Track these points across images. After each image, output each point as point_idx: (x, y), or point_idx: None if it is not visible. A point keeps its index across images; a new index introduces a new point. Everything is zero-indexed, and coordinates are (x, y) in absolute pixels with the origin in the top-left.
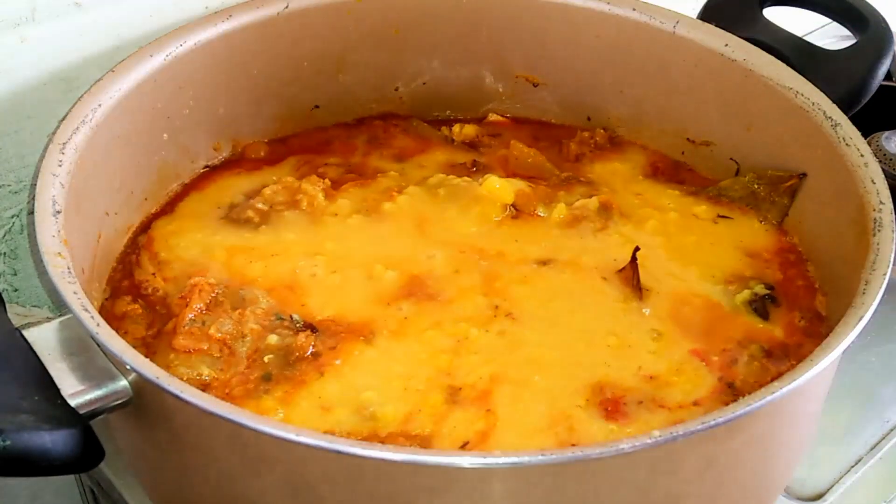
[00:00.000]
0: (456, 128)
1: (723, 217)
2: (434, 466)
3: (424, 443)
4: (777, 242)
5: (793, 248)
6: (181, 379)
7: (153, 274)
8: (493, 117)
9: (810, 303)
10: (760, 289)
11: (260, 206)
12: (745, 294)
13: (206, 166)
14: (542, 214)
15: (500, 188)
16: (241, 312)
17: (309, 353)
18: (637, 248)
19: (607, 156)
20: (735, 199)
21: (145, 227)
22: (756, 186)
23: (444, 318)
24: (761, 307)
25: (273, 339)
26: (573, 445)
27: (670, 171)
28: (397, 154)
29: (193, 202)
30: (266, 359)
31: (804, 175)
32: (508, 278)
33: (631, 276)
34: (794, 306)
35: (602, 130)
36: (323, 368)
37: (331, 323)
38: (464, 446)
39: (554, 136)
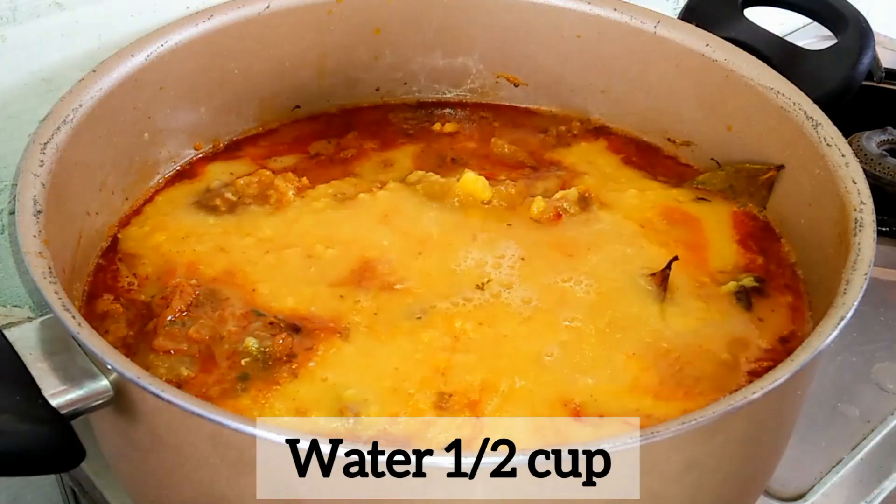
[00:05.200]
0: (437, 125)
1: (702, 199)
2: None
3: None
4: (759, 229)
5: (775, 239)
6: (161, 379)
7: (134, 274)
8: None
9: (794, 301)
10: (749, 281)
11: (229, 195)
12: (731, 285)
13: (187, 163)
14: (521, 208)
15: (477, 185)
16: (221, 314)
17: (286, 355)
18: (675, 258)
19: (587, 144)
20: (714, 192)
21: (125, 225)
22: (734, 180)
23: (413, 308)
24: (745, 298)
25: (251, 342)
26: None
27: (650, 160)
28: (377, 148)
29: (168, 194)
30: (244, 361)
31: (781, 167)
32: (485, 270)
33: (660, 282)
34: (779, 301)
35: (578, 124)
36: (298, 371)
37: (305, 321)
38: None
39: (534, 124)
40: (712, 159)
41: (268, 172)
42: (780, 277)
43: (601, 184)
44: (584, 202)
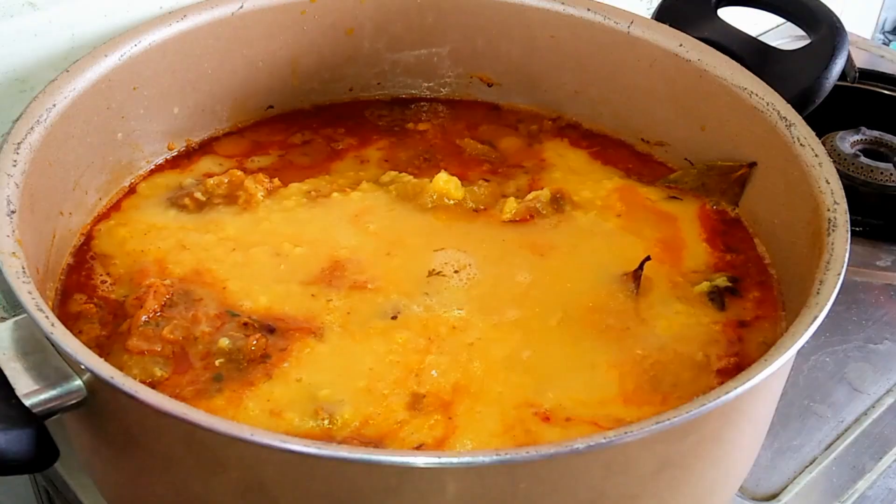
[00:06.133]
0: (410, 124)
1: (674, 198)
2: (389, 466)
3: (379, 444)
4: (732, 228)
5: (749, 239)
6: (134, 379)
7: (107, 273)
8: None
9: (767, 301)
10: (722, 281)
11: (198, 195)
12: (704, 285)
13: (160, 164)
14: (493, 209)
15: (450, 185)
16: (195, 314)
17: (260, 355)
18: (648, 258)
19: (559, 143)
20: (686, 190)
21: (97, 224)
22: (706, 177)
23: (386, 308)
24: (718, 298)
25: (225, 342)
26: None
27: (623, 160)
28: (351, 147)
29: (140, 193)
30: (218, 362)
31: (754, 164)
32: (457, 271)
33: (633, 282)
34: (752, 301)
35: (550, 122)
36: (272, 371)
37: (280, 322)
38: (419, 447)
39: (506, 122)
40: (686, 159)
41: (238, 173)
42: (753, 277)
43: (573, 183)
44: (557, 202)
